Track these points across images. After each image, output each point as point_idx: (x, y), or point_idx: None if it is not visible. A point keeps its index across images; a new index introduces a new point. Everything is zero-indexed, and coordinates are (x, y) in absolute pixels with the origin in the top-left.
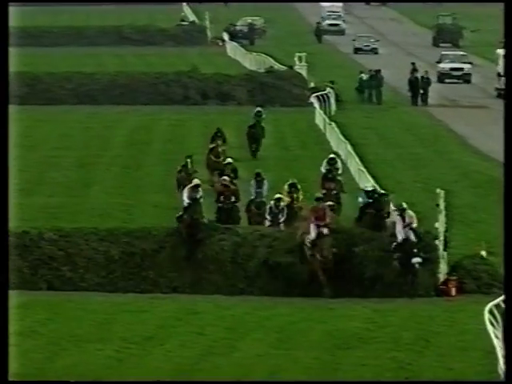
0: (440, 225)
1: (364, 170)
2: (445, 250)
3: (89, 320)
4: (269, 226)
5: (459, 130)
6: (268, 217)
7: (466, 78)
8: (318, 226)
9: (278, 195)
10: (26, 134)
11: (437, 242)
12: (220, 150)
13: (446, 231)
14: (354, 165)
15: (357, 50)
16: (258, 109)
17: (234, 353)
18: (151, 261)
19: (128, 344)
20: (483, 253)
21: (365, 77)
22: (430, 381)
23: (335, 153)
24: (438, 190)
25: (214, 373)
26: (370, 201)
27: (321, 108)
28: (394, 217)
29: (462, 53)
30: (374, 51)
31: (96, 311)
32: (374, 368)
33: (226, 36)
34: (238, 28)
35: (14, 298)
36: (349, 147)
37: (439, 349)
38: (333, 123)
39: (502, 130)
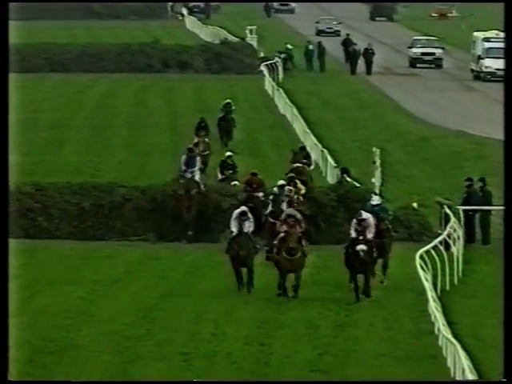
0: (376, 179)
1: (309, 131)
2: (381, 198)
3: (62, 265)
4: (271, 211)
5: (393, 95)
6: (270, 202)
7: (437, 63)
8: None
9: (281, 181)
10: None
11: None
12: (203, 145)
13: (381, 185)
14: (300, 126)
15: (319, 32)
16: (228, 101)
17: (192, 294)
18: (118, 212)
19: (98, 286)
20: (414, 205)
21: (311, 47)
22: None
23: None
24: (374, 149)
25: (174, 311)
26: None
27: (269, 75)
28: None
29: (433, 38)
30: (337, 33)
31: (69, 257)
32: (319, 306)
33: (184, 11)
34: (195, 4)
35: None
36: (295, 111)
37: (375, 290)
38: (280, 89)
39: (431, 95)
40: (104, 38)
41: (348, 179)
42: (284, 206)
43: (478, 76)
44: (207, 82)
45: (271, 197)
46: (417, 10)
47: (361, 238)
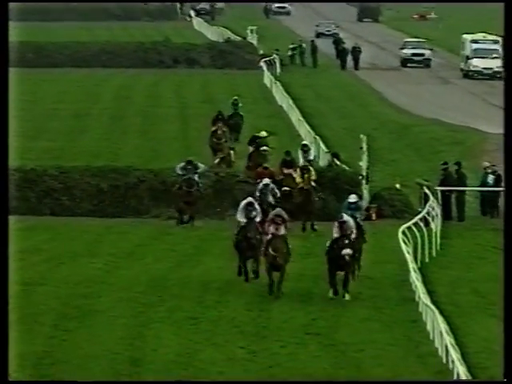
0: (363, 163)
1: (303, 119)
2: (367, 183)
3: (83, 239)
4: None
5: (378, 88)
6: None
7: (426, 63)
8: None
9: (266, 180)
10: (31, 91)
11: (360, 177)
12: (220, 132)
13: (367, 168)
14: (295, 116)
15: (319, 35)
16: (235, 97)
17: (199, 266)
18: (133, 192)
19: (114, 258)
20: (397, 185)
21: (303, 45)
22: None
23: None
24: (362, 136)
25: (183, 281)
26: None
27: (268, 70)
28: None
29: (423, 40)
30: (334, 35)
31: (88, 232)
32: (312, 278)
33: (192, 13)
34: (202, 7)
35: (23, 222)
36: (290, 102)
37: (363, 261)
38: (278, 82)
39: (411, 87)
40: (121, 38)
41: (338, 163)
42: (270, 198)
43: (467, 74)
44: (212, 76)
45: (258, 191)
46: (400, 13)
47: (346, 241)
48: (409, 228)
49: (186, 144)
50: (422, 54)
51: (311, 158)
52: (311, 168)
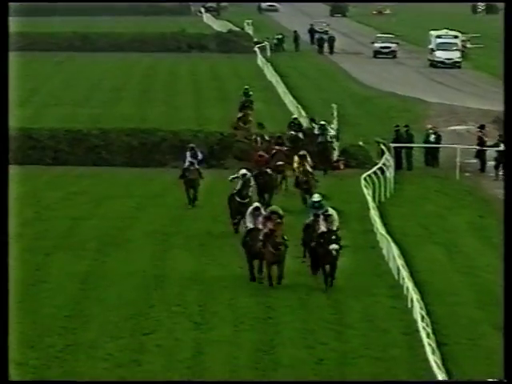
0: (334, 126)
1: (287, 91)
2: (337, 141)
3: (118, 184)
4: (238, 190)
5: (346, 68)
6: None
7: (393, 54)
8: None
9: (243, 171)
10: (79, 70)
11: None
12: (248, 118)
13: (337, 130)
14: (281, 89)
15: (312, 31)
16: (246, 87)
17: (208, 204)
18: (157, 148)
19: (142, 199)
20: (360, 143)
21: (280, 36)
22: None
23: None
24: (333, 105)
25: (195, 216)
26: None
27: (261, 54)
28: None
29: (391, 35)
30: (326, 32)
31: (123, 178)
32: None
33: (202, 10)
34: (210, 5)
35: (72, 171)
36: (278, 79)
37: (331, 201)
38: (268, 63)
39: (372, 68)
40: (147, 29)
41: (314, 125)
42: (250, 190)
43: (432, 64)
44: (218, 59)
45: (240, 179)
46: (362, 9)
47: (333, 237)
48: (369, 175)
49: (198, 111)
50: (389, 47)
51: (329, 137)
52: (308, 157)
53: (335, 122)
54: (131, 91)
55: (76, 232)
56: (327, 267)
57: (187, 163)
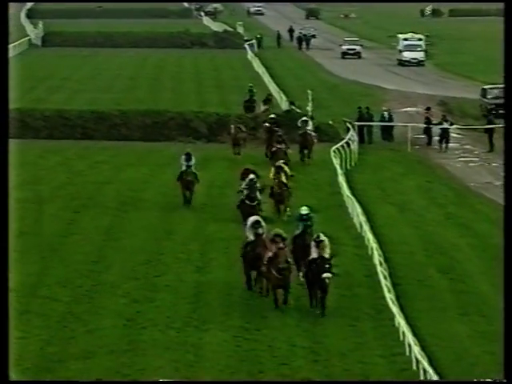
0: (309, 108)
1: (271, 81)
2: (312, 120)
3: (135, 155)
4: (247, 194)
5: (319, 61)
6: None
7: (358, 55)
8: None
9: (251, 176)
10: (103, 62)
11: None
12: (268, 111)
13: (312, 111)
14: (267, 78)
15: (301, 35)
16: (250, 85)
17: (207, 169)
18: (166, 126)
19: (154, 167)
20: (330, 122)
21: (258, 36)
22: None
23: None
24: (309, 91)
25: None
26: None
27: (249, 49)
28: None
29: (356, 38)
30: (314, 37)
31: (138, 150)
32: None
33: (202, 13)
34: (208, 9)
35: (97, 144)
36: (264, 69)
37: (304, 168)
38: (256, 57)
39: (340, 61)
40: (157, 29)
41: (293, 107)
42: (257, 193)
43: (400, 63)
44: (216, 54)
45: (246, 184)
46: (332, 13)
47: (327, 266)
48: (337, 148)
49: (199, 96)
50: (354, 49)
51: (309, 127)
52: (286, 168)
53: (310, 104)
54: (145, 80)
55: (100, 194)
56: (318, 292)
57: (184, 167)
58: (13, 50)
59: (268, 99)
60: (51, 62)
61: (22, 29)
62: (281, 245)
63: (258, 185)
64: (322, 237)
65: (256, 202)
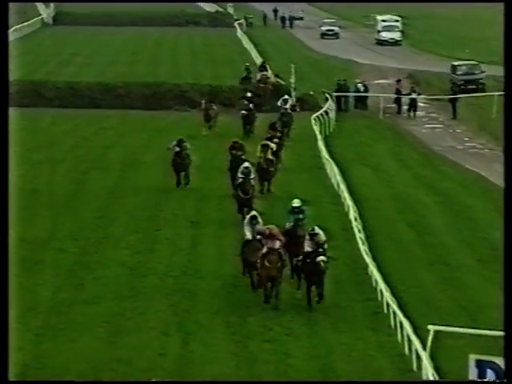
0: (292, 80)
1: (258, 56)
2: (294, 90)
3: (136, 122)
4: (241, 182)
5: (302, 39)
6: (240, 175)
7: (336, 36)
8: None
9: (246, 164)
10: (115, 40)
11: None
12: (266, 77)
13: (295, 82)
14: (254, 53)
15: (291, 18)
16: (247, 64)
17: (202, 138)
18: (164, 96)
19: (154, 132)
20: (311, 92)
21: (251, 16)
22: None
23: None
24: (292, 65)
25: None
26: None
27: (239, 28)
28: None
29: (334, 20)
30: (301, 19)
31: (139, 118)
32: None
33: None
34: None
35: (105, 112)
36: (252, 46)
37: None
38: (245, 35)
39: (320, 40)
40: (156, 9)
41: (279, 80)
42: (252, 182)
43: (379, 42)
44: (210, 32)
45: (241, 173)
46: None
47: (320, 250)
48: (317, 116)
49: (194, 69)
50: (333, 30)
51: (287, 106)
52: (271, 145)
53: (293, 77)
54: (146, 55)
55: (106, 156)
56: (313, 287)
57: (177, 149)
58: (27, 27)
59: (263, 66)
60: (62, 39)
61: (35, 8)
62: (276, 246)
63: (252, 175)
64: (317, 230)
65: (249, 195)
